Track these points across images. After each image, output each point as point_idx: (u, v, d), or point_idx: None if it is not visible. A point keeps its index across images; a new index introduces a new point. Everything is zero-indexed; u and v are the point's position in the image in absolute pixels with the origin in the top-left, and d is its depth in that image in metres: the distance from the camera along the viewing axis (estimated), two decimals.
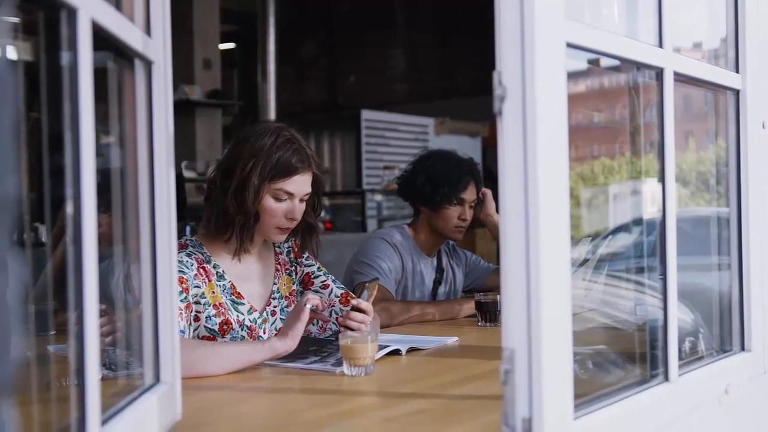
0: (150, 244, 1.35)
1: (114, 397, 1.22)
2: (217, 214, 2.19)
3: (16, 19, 0.96)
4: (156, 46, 1.33)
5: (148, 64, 1.32)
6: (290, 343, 1.96)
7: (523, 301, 1.17)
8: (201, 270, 2.18)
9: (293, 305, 2.32)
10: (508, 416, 1.18)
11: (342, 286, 2.43)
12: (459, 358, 2.18)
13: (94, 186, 1.01)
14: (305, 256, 2.43)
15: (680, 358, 1.56)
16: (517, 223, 1.17)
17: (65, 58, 0.99)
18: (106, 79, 1.26)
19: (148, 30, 1.32)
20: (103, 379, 1.05)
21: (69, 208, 1.00)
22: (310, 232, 2.35)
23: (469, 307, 2.86)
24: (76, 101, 0.98)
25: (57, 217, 1.15)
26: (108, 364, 1.40)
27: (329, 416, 1.56)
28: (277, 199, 2.18)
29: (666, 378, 1.52)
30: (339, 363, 1.90)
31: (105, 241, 1.22)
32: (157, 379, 1.35)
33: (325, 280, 2.41)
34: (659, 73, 1.52)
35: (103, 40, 1.09)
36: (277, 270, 2.37)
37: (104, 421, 1.07)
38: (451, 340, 2.35)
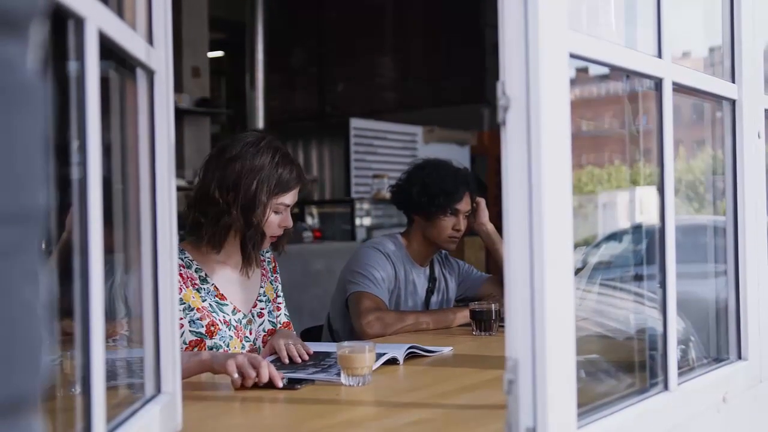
0: (151, 253, 1.34)
1: (115, 408, 1.22)
2: (220, 230, 2.25)
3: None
4: (158, 56, 1.33)
5: (150, 74, 1.32)
6: (214, 363, 1.91)
7: (526, 311, 1.17)
8: (179, 276, 2.20)
9: (280, 310, 2.47)
10: (512, 426, 1.18)
11: (288, 314, 2.53)
12: (456, 367, 2.18)
13: (100, 194, 1.00)
14: (278, 272, 2.53)
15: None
16: (521, 232, 1.17)
17: (72, 66, 0.99)
18: (107, 88, 1.25)
19: (150, 39, 1.32)
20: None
21: (70, 216, 1.00)
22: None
23: (462, 316, 2.85)
24: (83, 110, 0.98)
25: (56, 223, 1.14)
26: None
27: (329, 426, 1.55)
28: (277, 212, 2.29)
29: (666, 387, 1.52)
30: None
31: (105, 249, 1.22)
32: (158, 389, 1.34)
33: (280, 303, 2.51)
34: (658, 83, 1.53)
35: (105, 49, 1.09)
36: (263, 275, 2.45)
37: None
38: (446, 350, 2.35)
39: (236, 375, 1.82)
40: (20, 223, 0.51)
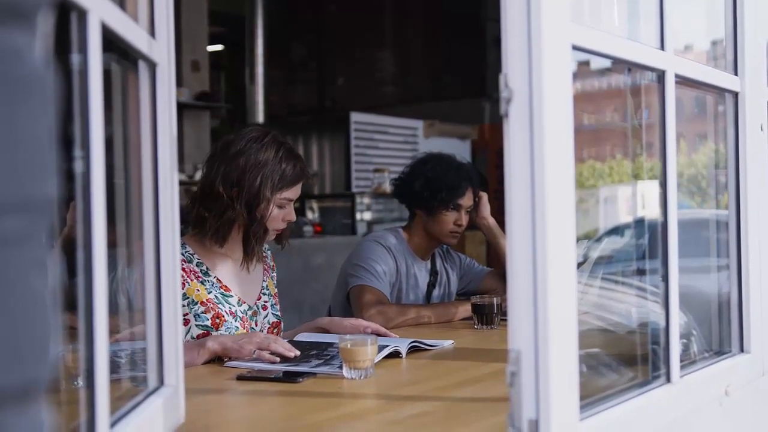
0: (153, 247, 1.34)
1: (118, 401, 1.22)
2: (224, 225, 2.27)
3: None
4: (160, 48, 1.33)
5: (152, 66, 1.31)
6: (227, 350, 2.06)
7: (529, 302, 1.17)
8: (181, 271, 2.21)
9: (278, 305, 2.49)
10: (515, 418, 1.18)
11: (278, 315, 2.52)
12: (458, 360, 2.18)
13: (103, 187, 1.00)
14: (275, 270, 2.56)
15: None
16: (524, 225, 1.17)
17: (74, 59, 0.98)
18: (109, 81, 1.25)
19: (152, 31, 1.32)
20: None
21: (71, 211, 1.00)
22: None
23: (464, 310, 2.85)
24: (86, 103, 0.98)
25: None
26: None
27: (332, 419, 1.56)
28: (280, 207, 2.30)
29: (668, 379, 1.52)
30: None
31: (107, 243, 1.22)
32: (161, 382, 1.34)
33: (274, 303, 2.50)
34: (661, 76, 1.53)
35: (107, 41, 1.08)
36: (265, 270, 2.47)
37: (112, 424, 1.07)
38: (448, 344, 2.35)
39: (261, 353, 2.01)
40: (28, 213, 0.51)
